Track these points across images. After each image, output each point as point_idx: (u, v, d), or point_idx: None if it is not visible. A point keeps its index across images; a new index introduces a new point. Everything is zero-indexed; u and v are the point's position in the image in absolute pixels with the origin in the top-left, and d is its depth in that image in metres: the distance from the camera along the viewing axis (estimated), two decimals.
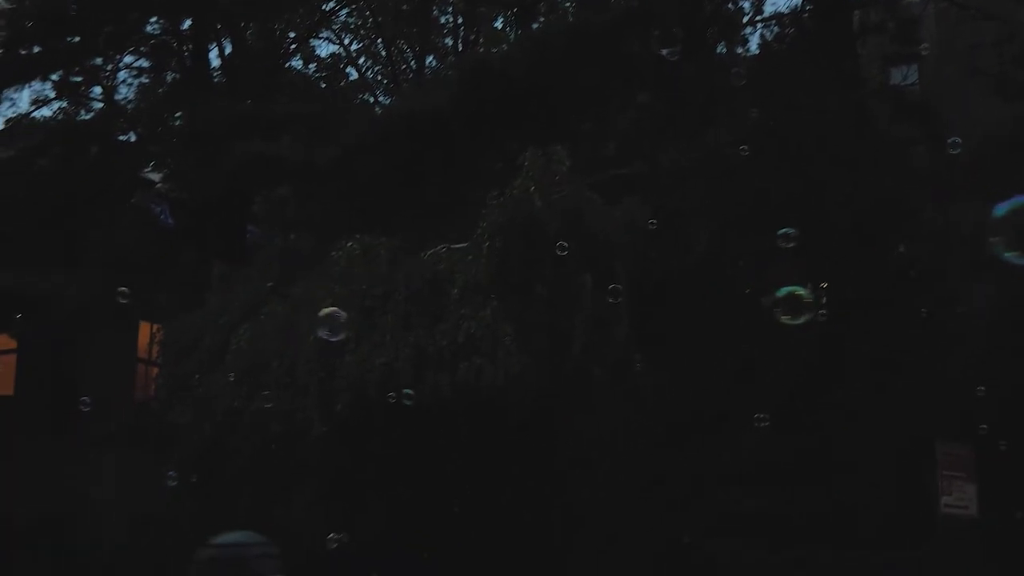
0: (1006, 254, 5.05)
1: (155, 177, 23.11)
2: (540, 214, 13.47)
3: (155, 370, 21.06)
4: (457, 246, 14.40)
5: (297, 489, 16.67)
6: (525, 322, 13.02)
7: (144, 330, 21.44)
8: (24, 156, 21.28)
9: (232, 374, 14.85)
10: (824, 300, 7.66)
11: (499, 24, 27.70)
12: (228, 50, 24.38)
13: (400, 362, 13.28)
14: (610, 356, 13.01)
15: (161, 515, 17.25)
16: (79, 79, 22.84)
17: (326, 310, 10.02)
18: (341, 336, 10.39)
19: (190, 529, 17.03)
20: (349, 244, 14.92)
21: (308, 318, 14.57)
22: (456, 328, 13.30)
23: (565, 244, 12.28)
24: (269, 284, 16.40)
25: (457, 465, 13.37)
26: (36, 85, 22.99)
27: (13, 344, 21.51)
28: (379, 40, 28.62)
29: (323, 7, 26.67)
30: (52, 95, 23.19)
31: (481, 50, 25.33)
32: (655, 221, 13.90)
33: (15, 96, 23.09)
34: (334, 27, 28.28)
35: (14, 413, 20.67)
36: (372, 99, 28.76)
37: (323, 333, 10.20)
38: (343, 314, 9.97)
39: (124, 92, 23.98)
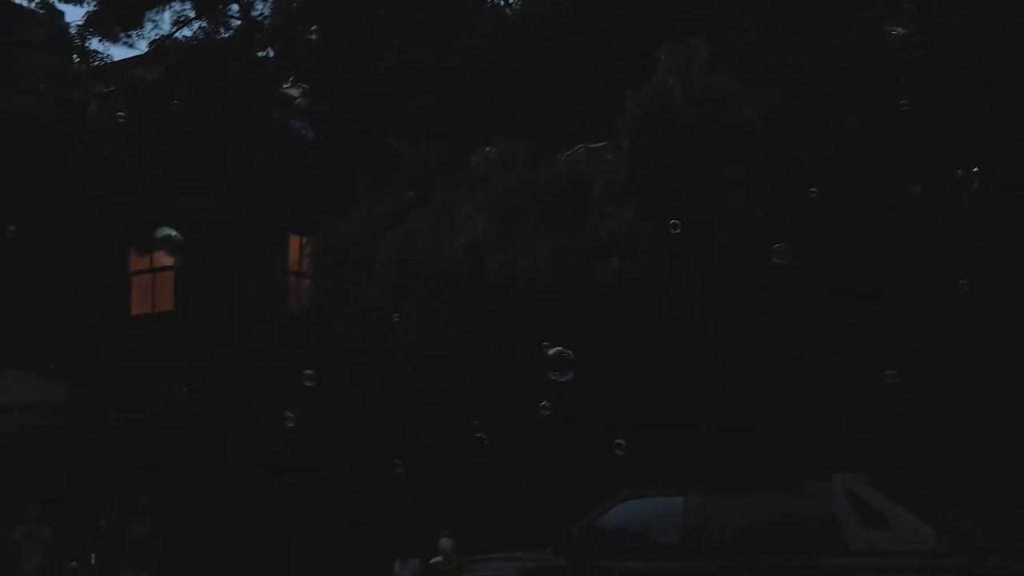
0: None
1: (295, 92, 23.41)
2: (680, 108, 13.20)
3: (306, 282, 21.62)
4: (595, 145, 14.24)
5: (446, 394, 17.00)
6: (668, 219, 12.84)
7: (293, 243, 21.94)
8: (168, 77, 21.80)
9: (380, 283, 15.11)
10: None
11: None
12: None
13: (542, 264, 13.28)
14: (757, 250, 12.75)
15: (318, 424, 17.82)
16: None
17: (553, 350, 9.61)
18: (569, 376, 9.97)
19: (347, 435, 17.61)
20: (487, 149, 14.91)
21: (451, 224, 14.69)
22: (597, 228, 13.21)
23: (706, 138, 12.03)
24: (411, 193, 16.56)
25: (604, 365, 13.39)
26: (176, 6, 23.48)
27: (170, 262, 22.25)
28: None
29: None
30: (192, 15, 23.63)
31: None
32: (794, 114, 13.47)
33: (157, 18, 23.54)
34: None
35: (175, 328, 21.48)
36: (503, 1, 28.43)
37: (552, 374, 9.86)
38: (570, 353, 9.60)
39: (260, 8, 24.26)
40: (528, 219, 13.79)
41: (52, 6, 23.26)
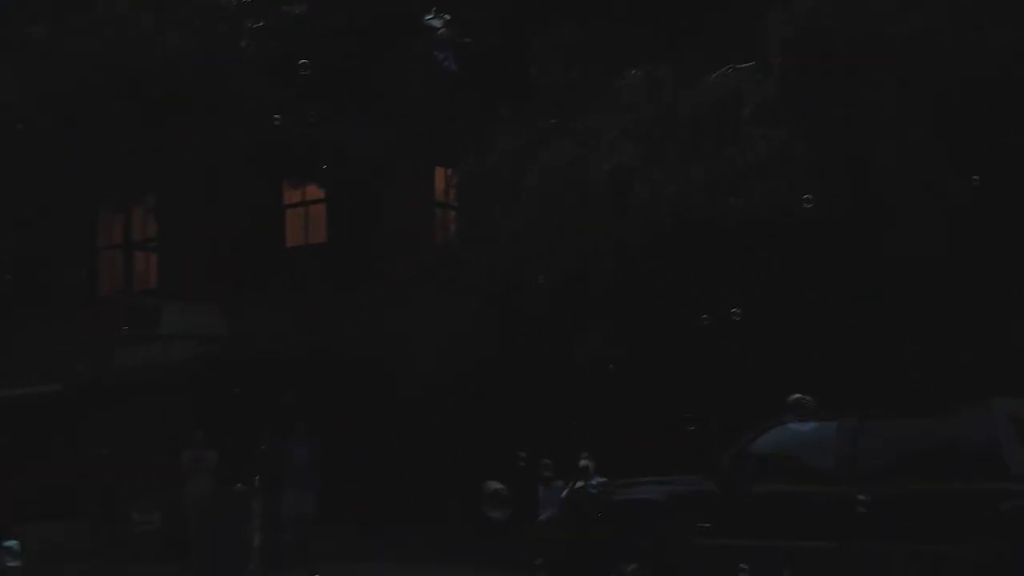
0: None
1: (437, 24, 23.46)
2: (831, 25, 12.78)
3: (451, 213, 21.86)
4: (743, 66, 13.93)
5: (594, 323, 17.05)
6: (821, 142, 12.52)
7: (439, 175, 22.16)
8: (314, 11, 22.09)
9: (525, 212, 15.18)
10: None
11: None
12: None
13: (690, 189, 13.13)
14: (916, 173, 12.35)
15: (466, 353, 18.11)
16: None
17: (793, 397, 9.34)
18: (811, 423, 9.80)
19: (493, 363, 17.86)
20: (633, 73, 14.73)
21: (595, 151, 14.61)
22: (747, 151, 12.97)
23: (858, 57, 11.64)
24: (553, 122, 16.52)
25: (751, 289, 13.23)
26: None
27: (322, 194, 22.76)
28: None
29: None
30: None
31: None
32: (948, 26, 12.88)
33: None
34: None
35: (328, 259, 22.00)
36: None
37: (791, 419, 9.69)
38: (809, 399, 9.43)
39: None
40: (675, 143, 13.62)
41: None
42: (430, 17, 24.50)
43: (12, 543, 11.35)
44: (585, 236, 14.33)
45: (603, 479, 14.13)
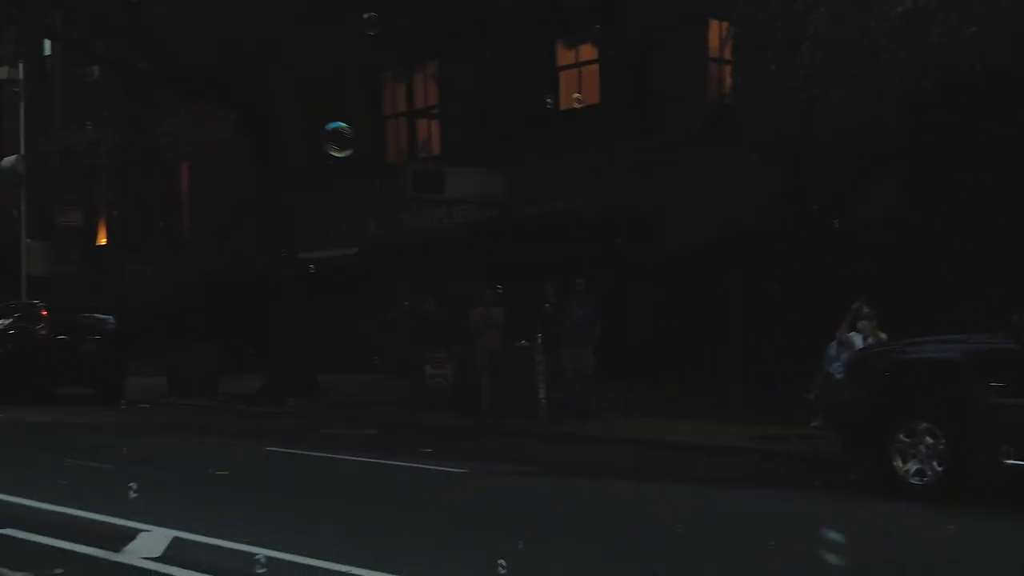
0: None
1: None
2: None
3: (726, 68, 21.32)
4: None
5: (879, 176, 16.40)
6: None
7: (713, 28, 21.59)
8: None
9: (807, 62, 14.59)
10: None
11: None
12: None
13: (994, 32, 12.21)
14: None
15: (749, 208, 17.87)
16: None
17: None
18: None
19: (768, 221, 17.55)
20: None
21: None
22: None
23: None
24: None
25: None
26: None
27: (595, 54, 22.70)
28: None
29: None
30: None
31: None
32: None
33: None
34: None
35: (602, 119, 22.03)
36: None
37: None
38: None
39: None
40: None
41: None
42: None
43: None
44: (874, 85, 13.64)
45: (886, 337, 13.79)
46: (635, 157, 20.82)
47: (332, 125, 7.89)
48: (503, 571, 6.44)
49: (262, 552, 7.07)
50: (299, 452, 14.07)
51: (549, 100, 21.58)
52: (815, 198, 17.18)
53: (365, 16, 11.21)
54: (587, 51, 22.83)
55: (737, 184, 18.58)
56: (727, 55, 20.63)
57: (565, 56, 23.17)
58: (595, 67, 22.63)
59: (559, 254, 20.92)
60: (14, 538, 8.08)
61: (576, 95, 10.83)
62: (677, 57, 21.33)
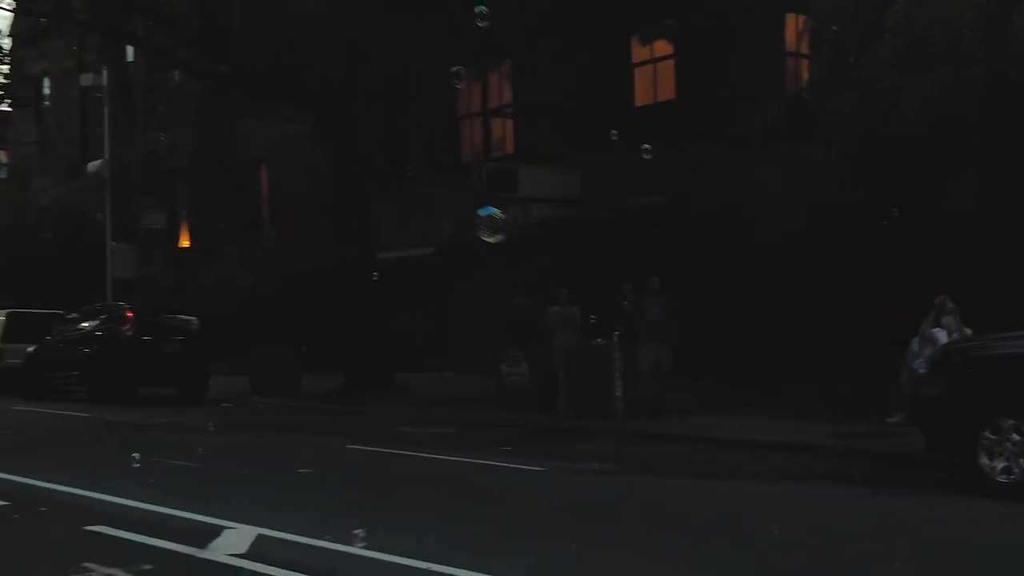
0: None
1: None
2: None
3: (803, 62, 21.07)
4: None
5: (960, 169, 16.09)
6: None
7: (790, 22, 21.38)
8: None
9: (887, 52, 14.39)
10: None
11: None
12: None
13: None
14: None
15: (828, 203, 17.64)
16: None
17: None
18: None
19: (861, 214, 17.31)
20: None
21: None
22: None
23: None
24: None
25: None
26: None
27: (670, 50, 22.57)
28: None
29: None
30: None
31: None
32: None
33: None
34: None
35: (678, 115, 21.89)
36: None
37: None
38: None
39: None
40: None
41: None
42: None
43: None
44: (956, 76, 13.40)
45: (970, 332, 13.54)
46: (712, 153, 20.67)
47: (484, 211, 8.12)
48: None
49: (348, 549, 7.13)
50: (380, 450, 14.21)
51: (624, 97, 21.48)
52: (895, 192, 16.92)
53: (476, 10, 11.25)
54: (662, 47, 22.71)
55: (815, 179, 18.35)
56: (804, 49, 20.44)
57: (640, 52, 23.08)
58: (670, 63, 22.51)
59: (634, 251, 20.85)
60: (103, 534, 8.26)
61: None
62: (754, 52, 21.14)
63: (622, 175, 21.86)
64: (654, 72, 22.84)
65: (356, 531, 7.57)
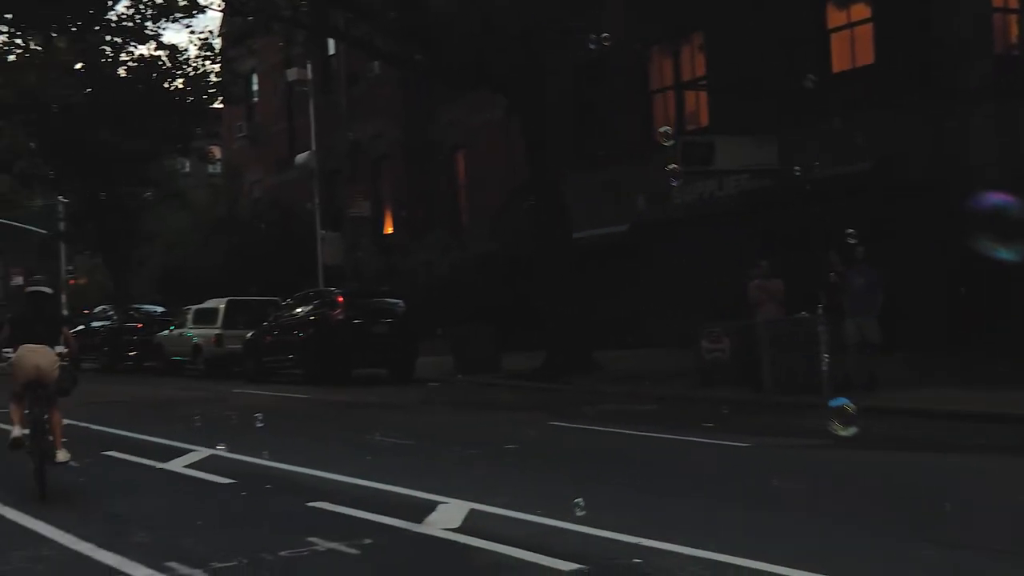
0: None
1: None
2: None
3: (1012, 17, 20.06)
4: None
5: None
6: None
7: None
8: None
9: None
10: None
11: None
12: None
13: None
14: None
15: None
16: None
17: None
18: None
19: None
20: None
21: None
22: None
23: None
24: None
25: None
26: None
27: (867, 14, 21.87)
28: None
29: None
30: None
31: None
32: None
33: None
34: None
35: (878, 79, 21.21)
36: None
37: None
38: None
39: None
40: None
41: None
42: None
43: None
44: None
45: None
46: (916, 116, 19.96)
47: (835, 402, 8.14)
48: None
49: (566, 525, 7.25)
50: (582, 427, 14.37)
51: (821, 64, 20.91)
52: None
53: None
54: (859, 11, 22.02)
55: None
56: (1012, 4, 19.46)
57: (836, 17, 22.44)
58: (868, 27, 21.81)
59: (838, 220, 20.31)
60: (325, 510, 8.68)
61: None
62: (958, 9, 20.27)
63: (821, 142, 21.34)
64: (851, 36, 22.17)
65: (577, 500, 7.72)
